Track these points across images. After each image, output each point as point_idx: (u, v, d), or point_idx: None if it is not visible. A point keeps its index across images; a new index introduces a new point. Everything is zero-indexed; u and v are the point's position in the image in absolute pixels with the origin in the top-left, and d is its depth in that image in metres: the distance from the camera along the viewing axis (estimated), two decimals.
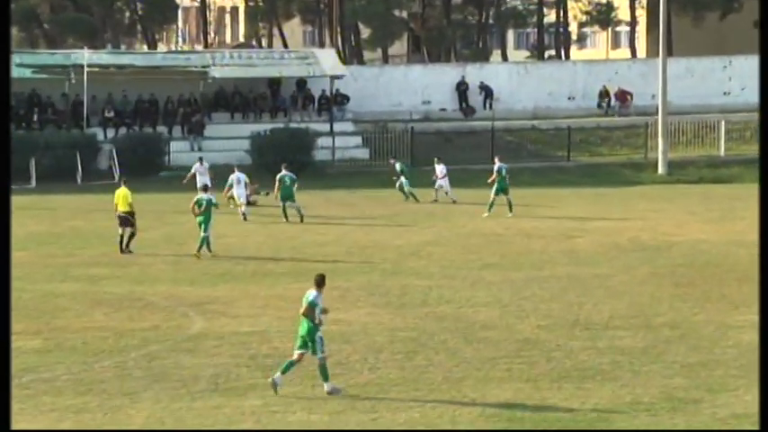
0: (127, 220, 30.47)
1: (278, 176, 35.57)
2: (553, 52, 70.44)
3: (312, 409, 16.94)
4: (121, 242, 30.67)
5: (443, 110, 55.31)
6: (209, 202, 29.67)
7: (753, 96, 49.94)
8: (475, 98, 55.53)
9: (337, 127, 50.19)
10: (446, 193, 38.68)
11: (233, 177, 36.42)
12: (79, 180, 45.98)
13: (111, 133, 48.55)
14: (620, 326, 22.04)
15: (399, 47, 72.19)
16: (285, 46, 67.23)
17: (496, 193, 36.07)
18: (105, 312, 24.50)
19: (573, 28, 72.80)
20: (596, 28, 72.90)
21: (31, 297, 26.08)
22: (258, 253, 30.92)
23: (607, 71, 59.33)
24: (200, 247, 29.48)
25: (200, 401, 17.13)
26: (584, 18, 70.32)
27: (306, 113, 51.15)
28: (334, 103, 51.03)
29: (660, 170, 46.79)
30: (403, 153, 49.08)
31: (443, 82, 56.30)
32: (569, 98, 56.62)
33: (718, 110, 53.35)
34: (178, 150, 47.59)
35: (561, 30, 69.91)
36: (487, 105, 54.95)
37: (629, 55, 68.85)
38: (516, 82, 57.79)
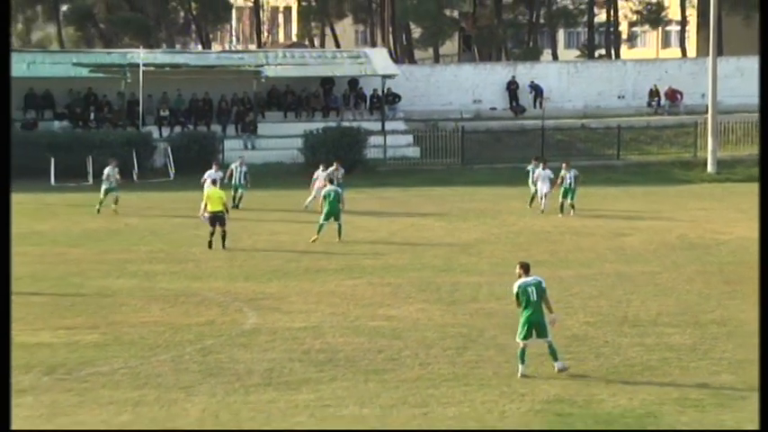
0: (222, 219, 30.89)
1: (323, 192, 33.07)
2: (603, 51, 70.52)
3: (364, 404, 17.14)
4: (211, 241, 31.01)
5: (494, 109, 55.75)
6: (337, 194, 30.45)
7: None
8: (525, 97, 55.94)
9: (389, 126, 50.64)
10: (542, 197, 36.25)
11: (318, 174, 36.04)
12: (135, 178, 46.02)
13: (166, 132, 49.00)
14: (668, 323, 22.23)
15: (450, 46, 72.49)
16: (337, 45, 68.08)
17: (564, 196, 35.68)
18: (161, 308, 24.84)
19: (623, 27, 73.04)
20: (646, 27, 73.18)
21: (89, 293, 26.40)
22: (310, 249, 30.90)
23: (657, 70, 59.57)
24: (340, 234, 30.41)
25: (254, 395, 17.40)
26: (634, 17, 70.61)
27: (358, 112, 51.62)
28: (385, 102, 51.49)
29: (709, 169, 46.96)
30: (454, 152, 49.79)
31: (494, 81, 56.77)
32: (619, 97, 57.24)
33: None
34: (232, 149, 47.61)
35: (611, 29, 70.16)
36: (538, 104, 55.29)
37: (679, 54, 69.26)
38: (566, 81, 58.11)
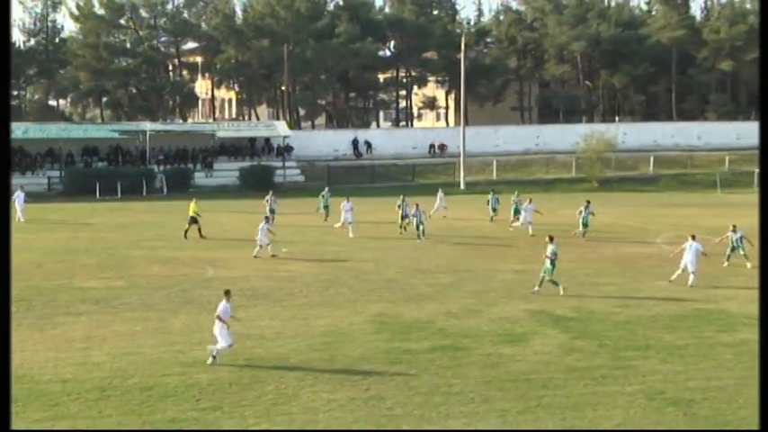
0: (195, 219, 39.91)
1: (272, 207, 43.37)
2: (404, 123, 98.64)
3: (273, 319, 24.33)
4: (187, 231, 39.60)
5: (345, 154, 78.64)
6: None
7: (512, 147, 79.81)
8: (362, 148, 79.33)
9: (286, 164, 72.21)
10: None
11: (344, 205, 43.06)
12: (144, 194, 63.13)
13: (161, 168, 67.38)
14: (440, 271, 30.91)
15: (321, 120, 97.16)
16: (257, 119, 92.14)
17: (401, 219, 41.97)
18: (159, 266, 32.48)
19: (415, 110, 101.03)
20: (427, 110, 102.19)
21: (118, 257, 34.47)
22: (245, 234, 38.65)
23: (433, 133, 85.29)
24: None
25: (212, 315, 21.65)
26: (421, 104, 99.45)
27: (270, 157, 73.34)
28: (284, 150, 73.84)
29: (462, 187, 67.39)
30: (323, 178, 68.45)
31: (345, 139, 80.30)
32: (413, 148, 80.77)
33: (492, 154, 77.31)
34: (199, 177, 68.75)
35: (409, 111, 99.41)
36: (369, 152, 78.79)
37: (445, 125, 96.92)
38: (385, 139, 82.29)
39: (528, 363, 19.83)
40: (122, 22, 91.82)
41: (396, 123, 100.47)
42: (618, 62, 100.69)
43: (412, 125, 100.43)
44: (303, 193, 61.87)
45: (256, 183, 65.91)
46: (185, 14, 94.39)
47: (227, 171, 71.06)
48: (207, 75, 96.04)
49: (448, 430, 15.90)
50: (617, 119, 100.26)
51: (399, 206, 43.06)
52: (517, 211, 44.12)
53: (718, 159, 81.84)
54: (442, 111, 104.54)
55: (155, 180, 67.05)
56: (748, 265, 31.99)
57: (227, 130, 76.29)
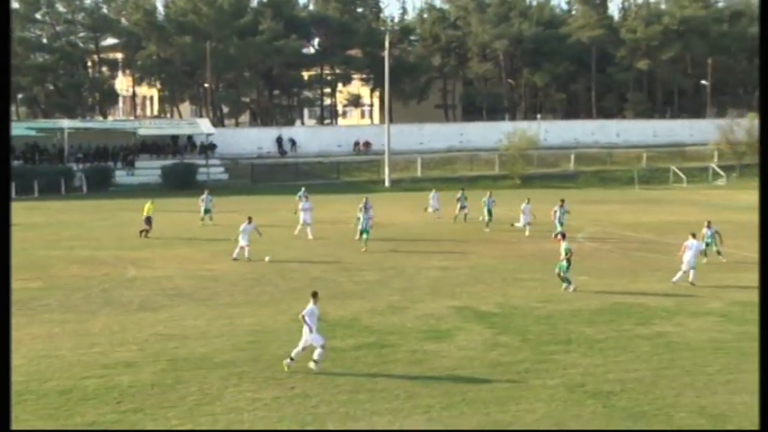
0: (149, 219, 40.10)
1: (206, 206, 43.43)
2: (329, 121, 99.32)
3: (197, 318, 24.23)
4: (143, 231, 39.68)
5: (269, 152, 78.99)
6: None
7: (437, 145, 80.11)
8: (286, 146, 79.60)
9: (210, 162, 72.35)
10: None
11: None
12: (63, 192, 63.04)
13: (81, 166, 67.19)
14: (365, 269, 31.17)
15: (245, 117, 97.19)
16: (180, 116, 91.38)
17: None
18: (78, 266, 31.93)
19: (340, 108, 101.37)
20: (352, 108, 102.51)
21: (35, 258, 33.85)
22: (166, 232, 40.33)
23: (358, 131, 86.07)
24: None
25: (133, 315, 23.05)
26: (345, 102, 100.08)
27: (193, 155, 73.40)
28: (208, 148, 73.77)
29: (387, 184, 69.93)
30: (247, 176, 70.57)
31: (269, 137, 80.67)
32: (338, 146, 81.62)
33: (416, 152, 78.72)
34: (120, 176, 68.25)
35: (333, 109, 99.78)
36: (293, 150, 79.20)
37: (369, 122, 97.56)
38: (309, 137, 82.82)
39: (453, 359, 19.99)
40: (38, 16, 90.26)
41: (320, 121, 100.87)
42: (539, 61, 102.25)
43: (337, 123, 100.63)
44: (227, 191, 61.26)
45: (179, 181, 66.04)
46: (104, 10, 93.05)
47: (149, 169, 70.82)
48: (128, 71, 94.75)
49: (372, 430, 15.86)
50: (539, 117, 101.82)
51: (458, 199, 45.46)
52: (490, 212, 43.42)
53: (636, 156, 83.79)
54: (367, 108, 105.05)
55: (74, 179, 66.51)
56: (723, 260, 32.63)
57: (148, 128, 75.91)
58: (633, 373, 18.91)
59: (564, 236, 28.10)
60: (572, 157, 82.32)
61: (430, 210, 47.86)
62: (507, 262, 34.00)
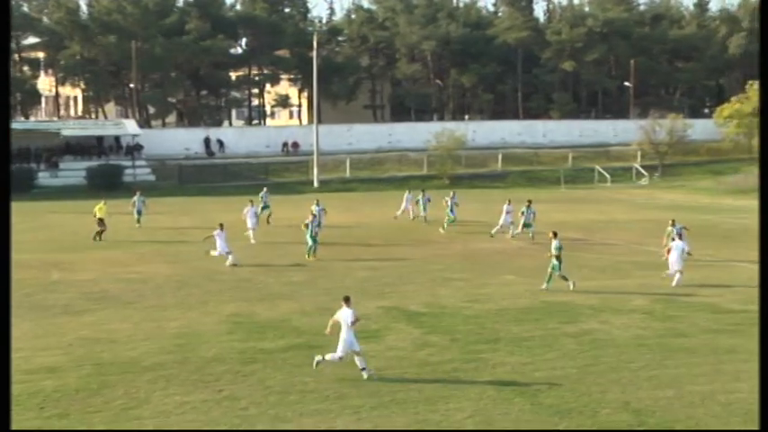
0: (102, 221, 39.60)
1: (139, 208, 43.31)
2: (257, 121, 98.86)
3: (123, 321, 24.12)
4: (98, 233, 39.20)
5: (197, 153, 78.55)
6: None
7: (365, 145, 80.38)
8: (214, 146, 79.42)
9: (137, 163, 71.97)
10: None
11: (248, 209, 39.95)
12: None
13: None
14: (293, 270, 31.22)
15: (172, 118, 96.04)
16: (105, 117, 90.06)
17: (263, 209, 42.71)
18: None
19: (268, 109, 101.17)
20: (280, 108, 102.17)
21: None
22: (86, 236, 39.71)
23: (286, 132, 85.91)
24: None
25: (57, 319, 23.03)
26: (273, 102, 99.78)
27: (118, 156, 72.90)
28: (134, 149, 73.42)
29: (315, 185, 69.33)
30: (174, 177, 69.87)
31: (197, 137, 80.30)
32: (266, 147, 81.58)
33: (345, 152, 78.61)
34: (43, 177, 67.32)
35: (261, 109, 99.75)
36: (221, 150, 79.09)
37: (298, 123, 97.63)
38: (237, 137, 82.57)
39: (382, 359, 20.06)
40: None
41: (248, 122, 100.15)
42: (467, 61, 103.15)
43: (265, 123, 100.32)
44: (154, 192, 60.64)
45: (104, 183, 65.07)
46: (25, 8, 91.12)
47: (73, 171, 69.99)
48: (50, 71, 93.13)
49: (301, 430, 15.84)
50: (467, 117, 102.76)
51: (419, 200, 44.89)
52: (452, 212, 42.84)
53: (562, 156, 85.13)
54: (296, 109, 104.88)
55: None
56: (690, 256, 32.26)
57: (72, 129, 75.05)
58: (560, 370, 19.19)
59: (555, 234, 27.87)
60: (499, 157, 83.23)
61: (398, 213, 47.46)
62: (436, 262, 34.23)
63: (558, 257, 27.14)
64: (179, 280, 29.62)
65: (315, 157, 72.22)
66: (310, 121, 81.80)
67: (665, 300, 26.58)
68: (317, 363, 18.79)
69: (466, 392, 17.62)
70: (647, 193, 69.37)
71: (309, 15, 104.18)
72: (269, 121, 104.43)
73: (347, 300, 18.48)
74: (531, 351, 20.75)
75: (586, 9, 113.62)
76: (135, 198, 45.55)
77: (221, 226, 33.52)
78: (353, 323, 18.27)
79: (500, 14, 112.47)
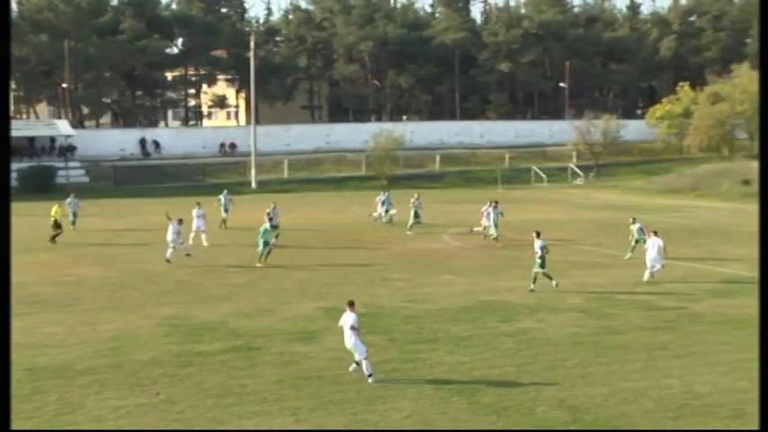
0: (57, 223, 39.35)
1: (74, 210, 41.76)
2: (194, 122, 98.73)
3: (57, 325, 23.98)
4: (54, 236, 38.87)
5: (132, 154, 77.99)
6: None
7: (303, 146, 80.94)
8: (150, 147, 78.83)
9: (70, 165, 71.26)
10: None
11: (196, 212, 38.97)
12: None
13: None
14: (232, 272, 31.27)
15: (106, 118, 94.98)
16: (37, 117, 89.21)
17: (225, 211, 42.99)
18: None
19: (205, 109, 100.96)
20: (218, 109, 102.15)
21: None
22: (17, 239, 37.88)
23: (224, 132, 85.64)
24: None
25: None
26: (210, 103, 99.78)
27: (51, 157, 72.17)
28: (67, 150, 72.77)
29: (253, 186, 69.63)
30: (109, 179, 69.66)
31: (132, 138, 79.67)
32: (203, 147, 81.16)
33: (283, 153, 78.48)
34: None
35: (198, 110, 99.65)
36: (157, 151, 78.49)
37: (235, 123, 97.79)
38: (174, 138, 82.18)
39: (321, 360, 20.04)
40: None
41: (185, 122, 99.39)
42: (404, 62, 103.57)
43: (201, 124, 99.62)
44: (88, 194, 59.57)
45: (37, 184, 64.37)
46: None
47: None
48: None
49: (239, 430, 15.77)
50: (405, 118, 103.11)
51: (382, 201, 44.44)
52: (417, 215, 42.59)
53: (499, 157, 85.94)
54: (233, 110, 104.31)
55: None
56: (629, 255, 33.25)
57: None
58: (497, 369, 19.37)
59: (539, 234, 27.90)
60: (437, 157, 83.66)
61: (375, 214, 46.70)
62: (374, 262, 34.30)
63: (541, 257, 27.13)
64: (115, 283, 29.36)
65: (253, 158, 71.82)
66: (248, 122, 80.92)
67: (600, 298, 26.98)
68: (353, 371, 18.50)
69: (404, 392, 17.68)
70: (583, 192, 70.34)
71: (246, 16, 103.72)
72: (206, 121, 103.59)
73: (351, 304, 18.37)
74: (469, 350, 20.89)
75: (522, 11, 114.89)
76: (68, 200, 44.90)
77: (180, 221, 33.55)
78: (353, 328, 18.14)
79: (437, 15, 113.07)
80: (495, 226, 38.73)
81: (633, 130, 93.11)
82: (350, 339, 18.20)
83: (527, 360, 20.05)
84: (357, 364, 18.32)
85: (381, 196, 46.54)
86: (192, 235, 38.38)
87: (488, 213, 39.16)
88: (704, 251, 30.75)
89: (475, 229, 40.48)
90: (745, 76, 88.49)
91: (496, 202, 40.18)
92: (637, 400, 17.12)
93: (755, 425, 15.62)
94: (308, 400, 17.20)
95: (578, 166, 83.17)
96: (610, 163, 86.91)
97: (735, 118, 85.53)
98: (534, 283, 27.79)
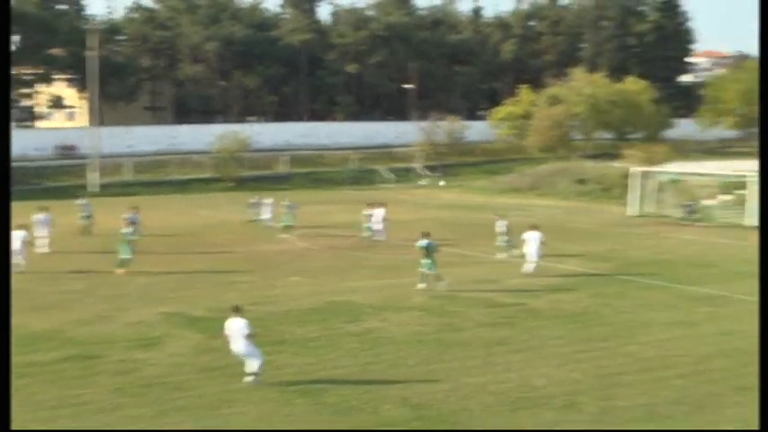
0: None
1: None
2: (28, 123, 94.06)
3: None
4: None
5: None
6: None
7: (147, 147, 79.07)
8: None
9: None
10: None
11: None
12: None
13: None
14: (70, 278, 31.91)
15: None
16: None
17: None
18: None
19: (42, 110, 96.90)
20: (55, 110, 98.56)
21: None
22: None
23: (62, 134, 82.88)
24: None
25: None
26: (48, 103, 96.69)
27: None
28: None
29: (96, 189, 66.22)
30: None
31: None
32: (36, 149, 76.32)
33: (125, 155, 75.90)
34: None
35: (32, 110, 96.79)
36: None
37: (74, 125, 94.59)
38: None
39: (162, 366, 19.67)
40: None
41: (19, 123, 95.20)
42: (251, 63, 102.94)
43: (35, 125, 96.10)
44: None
45: None
46: None
47: None
48: None
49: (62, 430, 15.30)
50: (251, 119, 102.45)
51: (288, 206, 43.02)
52: (291, 217, 42.51)
53: (347, 158, 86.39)
54: (72, 110, 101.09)
55: None
56: (501, 255, 34.30)
57: None
58: (342, 369, 19.50)
59: (426, 234, 28.26)
60: (284, 159, 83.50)
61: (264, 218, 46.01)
62: (219, 265, 33.93)
63: (427, 256, 27.29)
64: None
65: (93, 160, 70.16)
66: (92, 123, 78.48)
67: (442, 296, 27.54)
68: (254, 381, 18.02)
69: (249, 396, 17.57)
70: (428, 193, 71.63)
71: (85, 13, 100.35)
72: (44, 122, 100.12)
73: (237, 309, 18.21)
74: (315, 351, 20.96)
75: (370, 13, 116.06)
76: (82, 202, 43.58)
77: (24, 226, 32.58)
78: (249, 336, 17.84)
79: (285, 16, 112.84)
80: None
81: (476, 130, 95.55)
82: (243, 347, 17.92)
83: (371, 359, 20.27)
84: (252, 374, 17.94)
85: (286, 201, 45.02)
86: (38, 242, 36.66)
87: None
88: (543, 248, 31.83)
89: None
90: (580, 79, 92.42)
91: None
92: (477, 395, 17.57)
93: (587, 414, 16.35)
94: (149, 408, 16.84)
95: (425, 167, 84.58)
96: (454, 163, 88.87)
97: (571, 119, 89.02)
98: (422, 281, 28.16)
